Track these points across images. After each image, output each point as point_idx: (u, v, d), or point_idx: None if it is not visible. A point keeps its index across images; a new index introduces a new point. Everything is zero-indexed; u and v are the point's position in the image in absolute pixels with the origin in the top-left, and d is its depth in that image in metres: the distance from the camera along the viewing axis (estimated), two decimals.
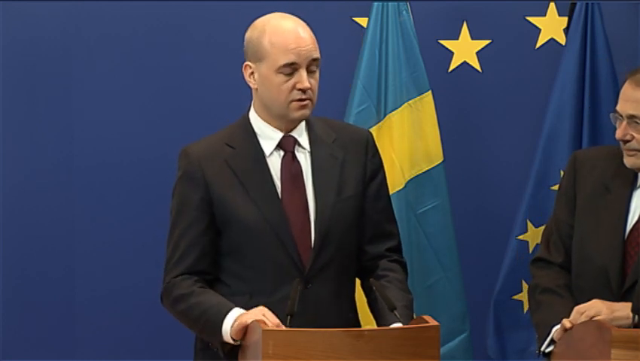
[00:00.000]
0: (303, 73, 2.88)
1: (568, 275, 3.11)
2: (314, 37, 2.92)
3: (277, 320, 2.71)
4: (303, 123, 2.99)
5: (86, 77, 4.15)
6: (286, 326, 2.68)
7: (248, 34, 2.95)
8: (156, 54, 4.17)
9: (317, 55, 2.91)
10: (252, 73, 2.94)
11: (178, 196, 2.96)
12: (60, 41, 4.14)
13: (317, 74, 2.93)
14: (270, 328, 2.63)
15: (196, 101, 4.18)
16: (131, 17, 4.16)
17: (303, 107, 2.90)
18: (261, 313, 2.73)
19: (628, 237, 3.01)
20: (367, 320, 3.07)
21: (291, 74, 2.88)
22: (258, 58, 2.91)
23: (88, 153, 4.17)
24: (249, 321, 2.71)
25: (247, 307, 2.80)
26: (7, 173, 4.13)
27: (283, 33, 2.89)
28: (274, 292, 2.88)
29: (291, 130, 2.97)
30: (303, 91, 2.88)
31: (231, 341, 2.79)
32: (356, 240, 3.01)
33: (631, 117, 3.00)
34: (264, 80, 2.91)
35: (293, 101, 2.90)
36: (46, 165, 4.16)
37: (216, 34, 4.17)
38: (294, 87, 2.88)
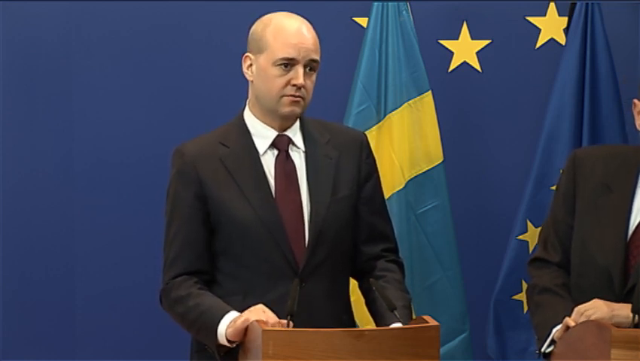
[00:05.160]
0: (300, 70, 2.88)
1: (566, 275, 3.10)
2: (317, 40, 2.93)
3: (277, 319, 2.70)
4: (297, 123, 2.98)
5: (86, 77, 4.15)
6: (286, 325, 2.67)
7: (253, 27, 2.96)
8: (156, 54, 4.18)
9: (316, 57, 2.91)
10: (251, 65, 2.94)
11: (172, 195, 2.95)
12: (60, 41, 4.15)
13: (314, 77, 2.92)
14: (270, 328, 2.63)
15: (195, 100, 4.18)
16: (131, 17, 4.16)
17: (294, 103, 2.89)
18: (262, 311, 2.73)
19: (631, 237, 3.00)
20: (364, 321, 3.07)
21: (287, 70, 2.88)
22: (259, 49, 2.91)
23: (88, 153, 4.17)
24: (251, 319, 2.70)
25: (241, 307, 2.79)
26: (7, 173, 4.13)
27: (287, 28, 2.90)
28: (268, 292, 2.87)
29: (284, 129, 2.96)
30: (297, 88, 2.88)
31: (226, 344, 2.78)
32: (350, 240, 3.00)
33: None
34: (261, 72, 2.91)
35: (285, 96, 2.89)
36: (46, 165, 4.16)
37: (216, 34, 4.17)
38: (288, 82, 2.88)
